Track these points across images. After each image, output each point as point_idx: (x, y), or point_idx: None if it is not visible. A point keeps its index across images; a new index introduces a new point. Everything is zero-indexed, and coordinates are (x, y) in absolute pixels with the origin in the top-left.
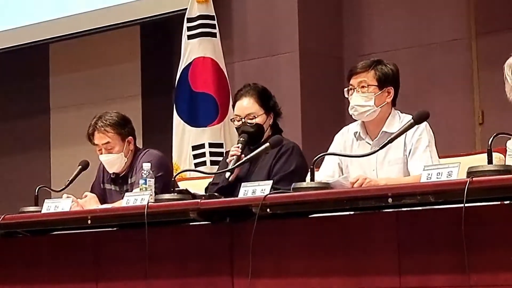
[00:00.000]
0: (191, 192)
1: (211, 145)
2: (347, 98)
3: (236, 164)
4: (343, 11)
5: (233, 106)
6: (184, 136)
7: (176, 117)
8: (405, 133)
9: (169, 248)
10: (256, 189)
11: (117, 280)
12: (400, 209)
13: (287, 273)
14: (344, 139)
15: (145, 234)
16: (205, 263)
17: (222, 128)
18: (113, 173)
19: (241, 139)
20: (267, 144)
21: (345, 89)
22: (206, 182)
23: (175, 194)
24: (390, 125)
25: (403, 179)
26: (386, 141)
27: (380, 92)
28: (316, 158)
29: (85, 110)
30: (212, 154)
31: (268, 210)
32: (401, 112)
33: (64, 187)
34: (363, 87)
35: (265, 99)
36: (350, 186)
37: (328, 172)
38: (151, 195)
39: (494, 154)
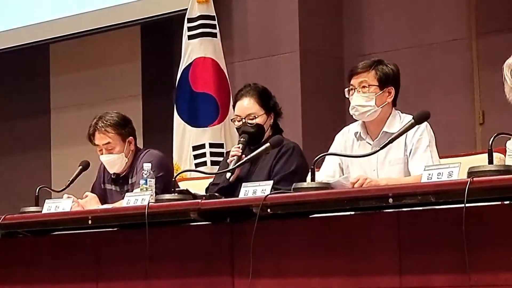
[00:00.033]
0: (191, 193)
1: (211, 145)
2: (348, 98)
3: (237, 165)
4: (344, 11)
5: (234, 106)
6: (185, 136)
7: (176, 117)
8: (405, 133)
9: (170, 248)
10: (256, 189)
11: (117, 280)
12: (400, 209)
13: (288, 273)
14: (345, 139)
15: (146, 234)
16: (206, 263)
17: (223, 128)
18: (114, 173)
19: (242, 139)
20: (268, 144)
21: (346, 89)
22: (206, 182)
23: (176, 194)
24: (390, 125)
25: (404, 179)
26: (387, 141)
27: (381, 92)
28: (316, 158)
29: (85, 110)
30: (212, 154)
31: (268, 210)
32: (401, 112)
33: (64, 187)
34: (364, 87)
35: (266, 99)
36: (351, 186)
37: (328, 172)
38: (151, 195)
39: (495, 154)
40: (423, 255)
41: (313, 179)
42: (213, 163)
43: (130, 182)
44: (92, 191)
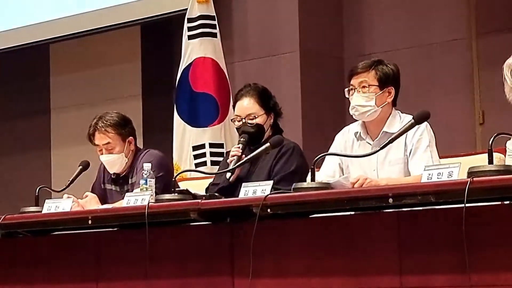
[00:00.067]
0: (191, 193)
1: (211, 145)
2: (348, 98)
3: (237, 165)
4: (344, 11)
5: (234, 107)
6: (185, 136)
7: (176, 117)
8: (405, 133)
9: (170, 248)
10: (256, 189)
11: (117, 280)
12: (400, 209)
13: (288, 273)
14: (345, 139)
15: (146, 235)
16: (206, 263)
17: (223, 128)
18: (114, 173)
19: (242, 139)
20: (268, 144)
21: (346, 89)
22: (206, 182)
23: (176, 194)
24: (390, 125)
25: (404, 179)
26: (387, 141)
27: (381, 92)
28: (316, 158)
29: (85, 110)
30: (212, 154)
31: (268, 210)
32: (401, 112)
33: (64, 187)
34: (364, 87)
35: (266, 99)
36: (351, 186)
37: (328, 172)
38: (151, 195)
39: (495, 154)
40: (423, 255)
41: (313, 179)
42: (213, 163)
43: (130, 182)
44: (92, 191)
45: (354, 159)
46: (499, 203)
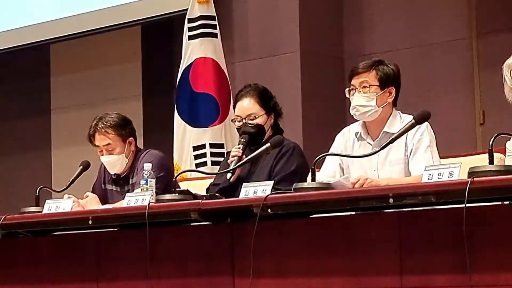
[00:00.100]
0: (192, 193)
1: (212, 145)
2: (349, 98)
3: (237, 165)
4: (344, 11)
5: (234, 107)
6: (185, 137)
7: (177, 118)
8: (406, 134)
9: (170, 249)
10: (257, 190)
11: (118, 280)
12: (401, 210)
13: (288, 273)
14: (345, 139)
15: (146, 235)
16: (206, 264)
17: (223, 129)
18: (114, 173)
19: (242, 139)
20: (268, 144)
21: (347, 89)
22: (207, 182)
23: (176, 194)
24: (391, 126)
25: (404, 179)
26: (387, 141)
27: (381, 92)
28: (317, 158)
29: (86, 110)
30: (213, 154)
31: (269, 210)
32: (402, 112)
33: (65, 187)
34: (364, 87)
35: (266, 100)
36: (351, 187)
37: (329, 172)
38: (152, 195)
39: (495, 155)
40: (423, 255)
41: (313, 179)
42: (214, 163)
43: (130, 183)
44: (92, 191)
45: (355, 159)
46: (500, 203)
